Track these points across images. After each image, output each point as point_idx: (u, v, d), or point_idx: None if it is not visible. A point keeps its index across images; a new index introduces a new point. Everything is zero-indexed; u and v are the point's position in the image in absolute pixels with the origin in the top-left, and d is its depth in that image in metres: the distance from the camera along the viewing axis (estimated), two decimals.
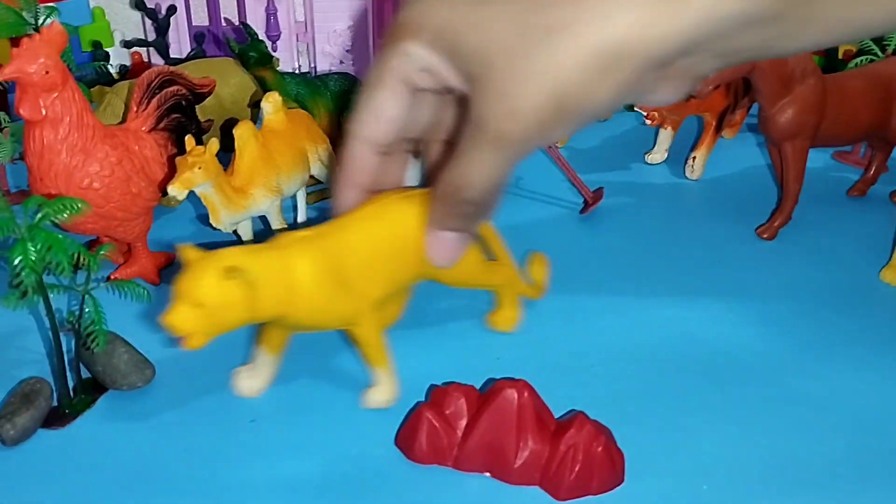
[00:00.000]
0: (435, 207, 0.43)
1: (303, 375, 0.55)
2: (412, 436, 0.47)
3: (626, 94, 0.33)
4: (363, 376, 0.53)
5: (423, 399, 0.51)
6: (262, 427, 0.50)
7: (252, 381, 0.52)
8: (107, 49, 0.96)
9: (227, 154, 0.62)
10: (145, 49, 1.02)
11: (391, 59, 0.39)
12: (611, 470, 0.44)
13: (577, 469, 0.44)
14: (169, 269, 0.67)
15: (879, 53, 0.83)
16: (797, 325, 0.60)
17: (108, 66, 0.90)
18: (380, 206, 0.48)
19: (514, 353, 0.57)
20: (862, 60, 0.83)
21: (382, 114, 0.41)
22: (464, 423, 0.46)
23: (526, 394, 0.45)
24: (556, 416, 0.47)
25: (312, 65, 1.05)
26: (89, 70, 0.86)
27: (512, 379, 0.46)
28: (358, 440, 0.49)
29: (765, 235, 0.73)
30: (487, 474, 0.46)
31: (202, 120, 0.71)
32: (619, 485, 0.45)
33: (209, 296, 0.43)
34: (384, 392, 0.51)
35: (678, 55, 0.32)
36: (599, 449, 0.44)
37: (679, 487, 0.45)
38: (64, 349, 0.51)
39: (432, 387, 0.51)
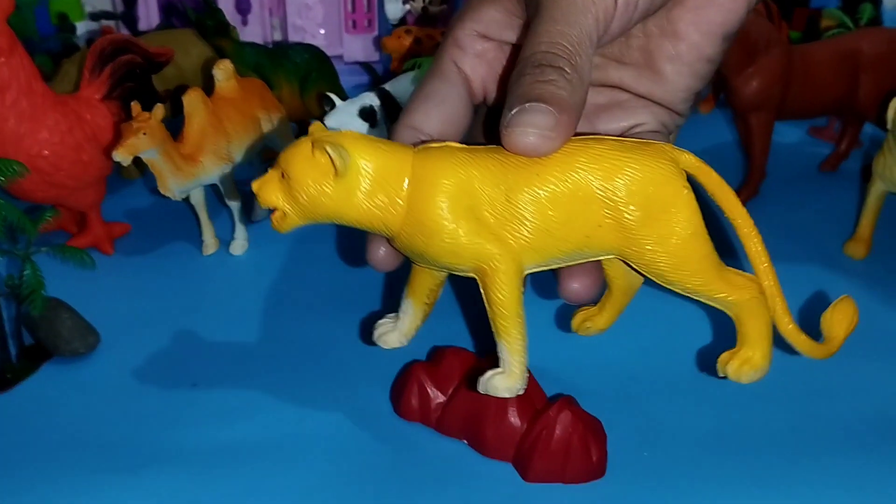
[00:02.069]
0: (513, 85, 0.36)
1: (247, 335, 0.54)
2: (401, 391, 0.47)
3: None
4: (313, 333, 0.52)
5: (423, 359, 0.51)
6: (205, 391, 0.49)
7: (391, 332, 0.43)
8: (78, 22, 0.96)
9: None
10: (114, 22, 1.01)
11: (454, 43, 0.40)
12: (586, 461, 0.43)
13: (547, 453, 0.42)
14: (124, 240, 0.66)
15: (850, 25, 0.82)
16: None
17: (75, 39, 0.89)
18: (574, 147, 0.37)
19: (539, 332, 0.53)
20: (834, 33, 0.82)
21: (438, 107, 0.40)
22: (454, 386, 0.46)
23: None
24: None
25: (283, 38, 1.04)
26: (55, 42, 0.85)
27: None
28: (308, 401, 0.48)
29: None
30: (465, 442, 0.45)
31: (161, 90, 0.70)
32: (597, 478, 0.43)
33: (294, 167, 0.36)
34: (508, 377, 0.38)
35: None
36: (576, 437, 0.42)
37: (658, 491, 0.42)
38: (6, 316, 0.51)
39: (434, 348, 0.50)
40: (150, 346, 0.54)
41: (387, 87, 0.70)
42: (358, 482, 0.43)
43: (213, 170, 0.60)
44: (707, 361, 0.52)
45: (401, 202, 0.36)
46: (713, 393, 0.49)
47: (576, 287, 0.39)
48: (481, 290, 0.37)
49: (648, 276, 0.38)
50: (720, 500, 0.42)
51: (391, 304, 0.57)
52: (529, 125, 0.35)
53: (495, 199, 0.36)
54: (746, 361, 0.39)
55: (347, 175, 0.36)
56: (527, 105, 0.35)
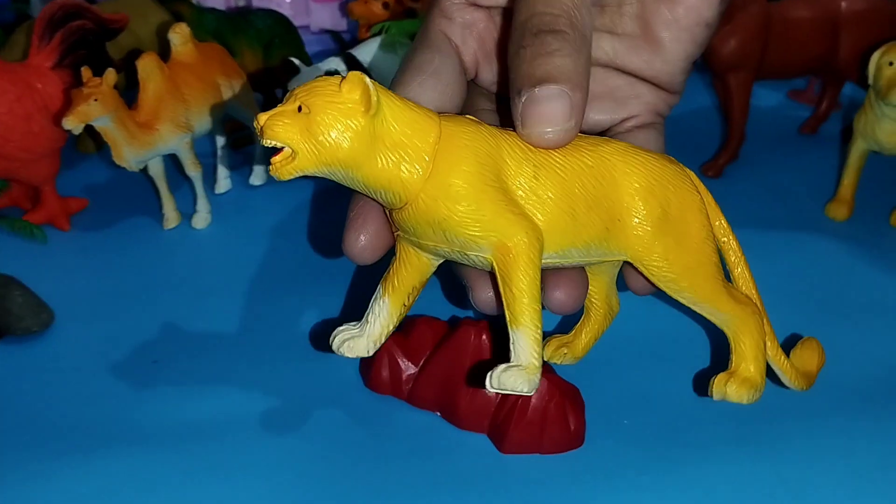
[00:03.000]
0: (515, 60, 0.34)
1: (211, 311, 0.52)
2: (371, 364, 0.45)
3: None
4: (279, 307, 0.50)
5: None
6: (166, 369, 0.47)
7: (358, 339, 0.38)
8: None
9: None
10: None
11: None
12: (564, 430, 0.41)
13: (523, 423, 0.41)
14: (81, 216, 0.64)
15: None
16: None
17: (28, 10, 0.86)
18: (592, 139, 0.36)
19: None
20: None
21: (432, 79, 0.38)
22: (425, 357, 0.44)
23: (484, 336, 0.42)
24: None
25: (248, 4, 1.01)
26: (9, 13, 0.82)
27: (475, 319, 0.43)
28: (275, 376, 0.46)
29: (710, 173, 0.70)
30: (438, 413, 0.43)
31: (117, 58, 0.67)
32: (575, 447, 0.41)
33: (318, 99, 0.32)
34: (527, 370, 0.33)
35: None
36: (552, 405, 0.41)
37: (639, 459, 0.41)
38: None
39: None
40: (108, 323, 0.51)
41: (353, 51, 0.68)
42: (327, 458, 0.41)
43: (170, 138, 0.58)
44: (683, 327, 0.51)
45: (427, 159, 0.33)
46: (691, 358, 0.48)
47: (558, 295, 0.37)
48: (498, 274, 0.34)
49: (659, 281, 0.37)
50: (702, 465, 0.40)
51: (361, 277, 0.55)
52: (545, 123, 0.34)
53: (523, 173, 0.34)
54: (746, 381, 0.38)
55: (377, 116, 0.32)
56: (536, 91, 0.33)
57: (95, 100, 0.53)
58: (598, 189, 0.35)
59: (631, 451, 0.41)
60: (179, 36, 0.59)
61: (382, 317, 0.38)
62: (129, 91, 0.64)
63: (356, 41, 0.79)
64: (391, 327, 0.38)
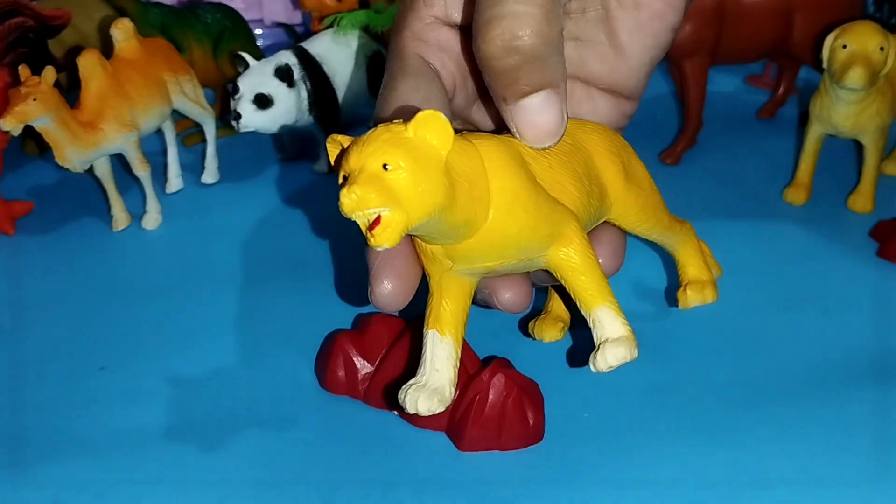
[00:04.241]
0: (498, 78, 0.34)
1: (161, 313, 0.51)
2: (326, 364, 0.44)
3: None
4: (230, 308, 0.49)
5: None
6: (114, 375, 0.46)
7: (434, 397, 0.35)
8: None
9: None
10: None
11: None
12: (523, 426, 0.40)
13: (481, 420, 0.40)
14: (27, 219, 0.62)
15: None
16: None
17: None
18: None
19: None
20: None
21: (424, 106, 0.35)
22: (381, 355, 0.43)
23: None
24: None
25: None
26: None
27: None
28: (225, 379, 0.45)
29: (668, 160, 0.70)
30: (395, 413, 0.42)
31: (60, 56, 0.65)
32: (535, 443, 0.41)
33: (404, 152, 0.30)
34: (626, 342, 0.34)
35: None
36: (511, 401, 0.40)
37: (599, 453, 0.40)
38: None
39: (359, 316, 0.48)
40: (54, 329, 0.50)
41: (304, 45, 0.66)
42: (283, 461, 0.40)
43: (116, 138, 0.56)
44: (640, 318, 0.50)
45: (486, 181, 0.32)
46: (649, 349, 0.47)
47: (508, 297, 0.37)
48: (559, 265, 0.35)
49: (634, 227, 0.41)
50: (662, 457, 0.40)
51: (314, 279, 0.54)
52: (544, 135, 0.34)
53: (542, 168, 0.35)
54: (699, 282, 0.46)
55: (450, 154, 0.31)
56: (524, 103, 0.34)
57: (34, 99, 0.51)
58: (587, 165, 0.37)
59: (591, 445, 0.41)
60: (122, 31, 0.57)
61: (452, 358, 0.35)
62: (73, 90, 0.62)
63: (310, 34, 0.77)
64: (459, 354, 0.36)
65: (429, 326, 0.35)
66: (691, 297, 0.45)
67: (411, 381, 0.35)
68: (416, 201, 0.30)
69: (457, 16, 0.37)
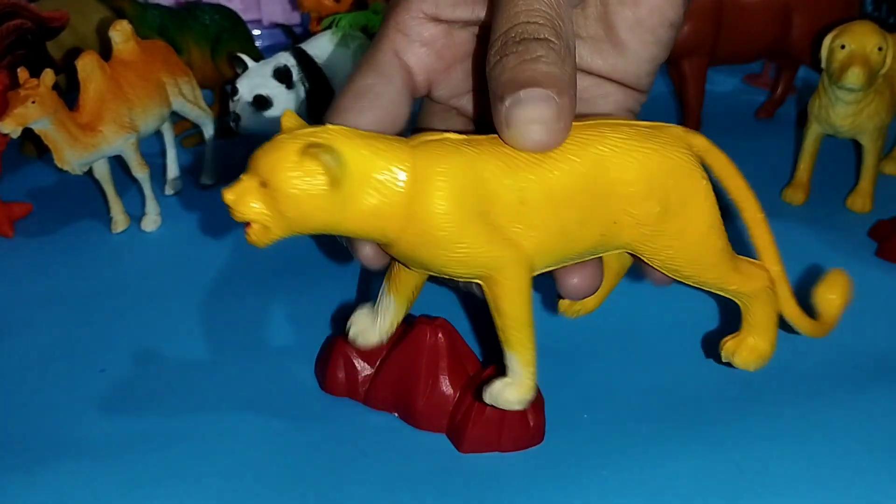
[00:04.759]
0: (497, 68, 0.33)
1: (161, 316, 0.50)
2: (326, 366, 0.44)
3: None
4: (230, 310, 0.49)
5: None
6: (114, 378, 0.46)
7: (370, 331, 0.40)
8: None
9: None
10: None
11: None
12: (524, 427, 0.40)
13: (481, 421, 0.40)
14: (26, 221, 0.62)
15: None
16: None
17: None
18: (582, 133, 0.34)
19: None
20: None
21: (371, 105, 0.37)
22: (381, 357, 0.43)
23: (440, 334, 0.41)
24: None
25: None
26: None
27: (432, 317, 0.42)
28: (226, 381, 0.45)
29: None
30: (396, 415, 0.43)
31: (59, 58, 0.65)
32: (535, 444, 0.41)
33: (279, 178, 0.31)
34: (519, 388, 0.36)
35: None
36: None
37: (599, 454, 0.40)
38: None
39: None
40: (54, 331, 0.50)
41: (303, 46, 0.66)
42: (283, 463, 0.40)
43: (115, 140, 0.56)
44: (642, 320, 0.50)
45: (401, 207, 0.32)
46: (650, 351, 0.47)
47: (576, 282, 0.37)
48: (488, 299, 0.35)
49: (663, 271, 0.36)
50: (661, 457, 0.40)
51: (315, 278, 0.54)
52: (531, 121, 0.32)
53: (508, 201, 0.33)
54: (754, 350, 0.38)
55: (344, 183, 0.31)
56: (521, 94, 0.32)
57: (33, 102, 0.51)
58: (591, 201, 0.33)
59: (591, 446, 0.41)
60: (120, 33, 0.57)
61: (390, 312, 0.40)
62: (72, 92, 0.62)
63: (308, 35, 0.77)
64: (400, 318, 0.40)
65: (385, 282, 0.39)
66: (735, 358, 0.39)
67: (359, 313, 0.41)
68: (287, 223, 0.32)
69: (448, 12, 0.37)
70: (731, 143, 0.72)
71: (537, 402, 0.41)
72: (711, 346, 0.48)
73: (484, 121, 0.40)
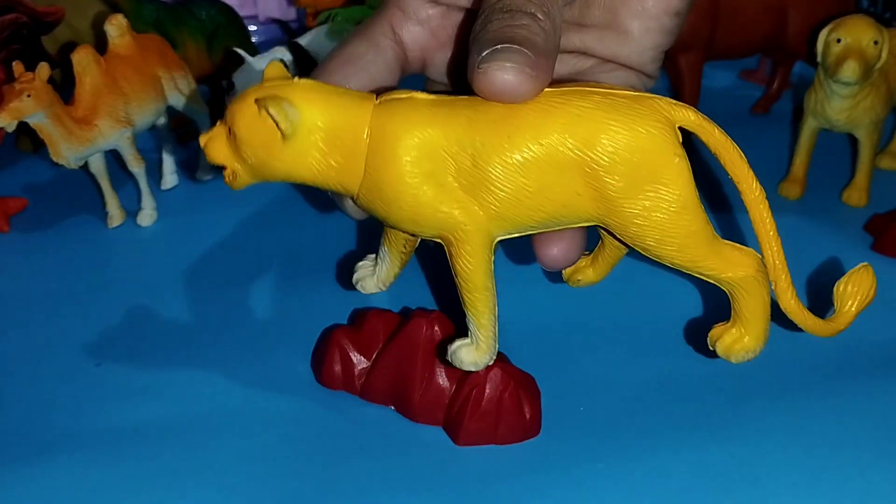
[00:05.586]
0: (480, 32, 0.33)
1: (157, 310, 0.50)
2: (322, 359, 0.44)
3: None
4: (226, 304, 0.49)
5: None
6: (110, 371, 0.46)
7: (369, 278, 0.42)
8: None
9: None
10: None
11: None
12: (520, 420, 0.40)
13: (478, 414, 0.40)
14: (21, 216, 0.62)
15: None
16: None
17: None
18: (548, 99, 0.33)
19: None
20: None
21: (358, 73, 0.38)
22: (377, 350, 0.43)
23: (436, 327, 0.41)
24: None
25: None
26: None
27: (428, 310, 0.43)
28: (222, 375, 0.45)
29: None
30: (392, 408, 0.43)
31: (54, 52, 0.65)
32: (532, 436, 0.41)
33: (240, 126, 0.33)
34: (476, 350, 0.36)
35: None
36: (507, 395, 0.40)
37: (595, 446, 0.40)
38: None
39: (355, 311, 0.47)
40: (49, 326, 0.50)
41: (299, 40, 0.66)
42: (280, 457, 0.40)
43: (110, 134, 0.56)
44: (638, 310, 0.50)
45: (358, 163, 0.33)
46: (646, 343, 0.48)
47: (555, 252, 0.37)
48: (448, 258, 0.35)
49: (633, 247, 0.36)
50: (657, 450, 0.40)
51: (311, 270, 0.54)
52: (503, 61, 0.31)
53: (461, 162, 0.33)
54: (738, 341, 0.37)
55: (297, 136, 0.32)
56: (499, 46, 0.32)
57: (28, 96, 0.51)
58: (547, 172, 0.33)
59: (587, 438, 0.41)
60: (116, 27, 0.57)
61: (386, 262, 0.41)
62: (67, 86, 0.62)
63: (304, 30, 0.77)
64: (397, 270, 0.41)
65: (383, 234, 0.40)
66: (718, 346, 0.37)
67: (363, 262, 0.42)
68: (249, 168, 0.34)
69: None
70: None
71: (533, 395, 0.41)
72: (707, 339, 0.48)
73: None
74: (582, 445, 0.40)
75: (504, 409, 0.40)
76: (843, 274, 0.39)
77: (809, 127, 0.62)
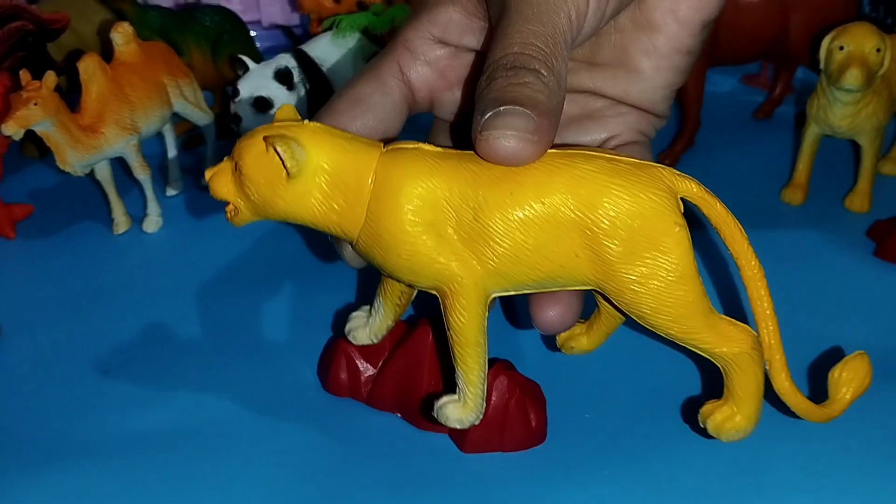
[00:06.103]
0: (485, 90, 0.33)
1: (164, 317, 0.51)
2: (329, 366, 0.44)
3: None
4: (232, 312, 0.49)
5: None
6: (117, 379, 0.46)
7: (362, 329, 0.42)
8: None
9: None
10: None
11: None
12: (525, 427, 0.40)
13: (483, 421, 0.39)
14: (27, 223, 0.62)
15: None
16: (697, 249, 0.57)
17: None
18: (553, 160, 0.33)
19: None
20: None
21: (365, 114, 0.38)
22: (384, 358, 0.44)
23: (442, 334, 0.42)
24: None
25: (196, 1, 0.99)
26: None
27: (434, 318, 0.42)
28: (229, 383, 0.45)
29: (666, 161, 0.70)
30: (398, 415, 0.43)
31: (59, 59, 0.66)
32: (537, 444, 0.41)
33: (246, 163, 0.33)
34: (462, 407, 0.36)
35: None
36: (513, 403, 0.40)
37: (600, 453, 0.40)
38: None
39: None
40: (56, 333, 0.50)
41: (304, 47, 0.66)
42: (286, 464, 0.40)
43: (116, 141, 0.56)
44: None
45: (360, 208, 0.34)
46: (652, 351, 0.48)
47: (551, 315, 0.37)
48: (441, 311, 0.35)
49: (629, 315, 0.35)
50: (662, 457, 0.40)
51: (315, 278, 0.55)
52: (506, 128, 0.31)
53: (463, 215, 0.33)
54: (729, 419, 0.37)
55: (302, 176, 0.33)
56: (502, 108, 0.32)
57: (35, 104, 0.51)
58: (547, 231, 0.33)
59: (592, 446, 0.41)
60: (122, 35, 0.57)
61: (380, 314, 0.41)
62: (73, 93, 0.62)
63: (308, 36, 0.77)
64: (390, 323, 0.41)
65: (379, 284, 0.41)
66: (708, 424, 0.37)
67: (358, 312, 0.42)
68: (252, 206, 0.34)
69: (455, 39, 0.38)
70: (730, 144, 0.74)
71: (538, 403, 0.42)
72: None
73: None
74: (587, 453, 0.40)
75: (510, 417, 0.40)
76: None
77: (812, 133, 0.62)
